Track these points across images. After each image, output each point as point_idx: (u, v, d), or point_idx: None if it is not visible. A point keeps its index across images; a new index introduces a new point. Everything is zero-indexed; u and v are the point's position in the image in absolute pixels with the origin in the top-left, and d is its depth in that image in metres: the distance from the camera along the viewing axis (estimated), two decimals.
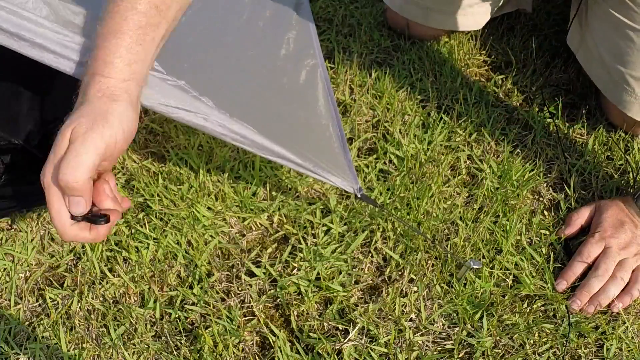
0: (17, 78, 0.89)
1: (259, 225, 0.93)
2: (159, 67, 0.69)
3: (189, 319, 0.83)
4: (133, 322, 0.82)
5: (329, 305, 0.85)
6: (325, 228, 0.92)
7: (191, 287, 0.86)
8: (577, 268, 0.90)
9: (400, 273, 0.88)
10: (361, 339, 0.82)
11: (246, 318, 0.84)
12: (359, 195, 0.81)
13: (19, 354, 0.79)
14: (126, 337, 0.81)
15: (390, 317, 0.84)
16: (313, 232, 0.91)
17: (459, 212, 0.95)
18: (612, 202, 0.95)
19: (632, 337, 0.85)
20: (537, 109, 1.13)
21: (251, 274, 0.88)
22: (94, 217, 0.60)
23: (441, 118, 1.08)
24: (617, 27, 0.96)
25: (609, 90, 1.03)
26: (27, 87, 0.89)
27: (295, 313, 0.84)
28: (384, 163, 1.01)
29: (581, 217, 0.96)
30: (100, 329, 0.82)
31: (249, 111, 0.78)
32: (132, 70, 0.61)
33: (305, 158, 0.78)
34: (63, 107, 0.89)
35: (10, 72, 0.88)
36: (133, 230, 0.91)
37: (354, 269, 0.88)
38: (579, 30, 1.06)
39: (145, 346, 0.80)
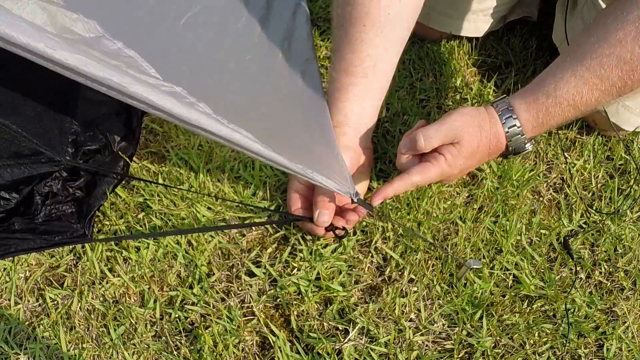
0: (53, 96, 0.90)
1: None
2: (155, 73, 0.68)
3: (189, 319, 0.83)
4: (133, 322, 0.82)
5: (329, 305, 0.85)
6: None
7: (191, 287, 0.86)
8: (404, 188, 0.85)
9: (400, 273, 0.88)
10: (361, 339, 0.82)
11: (246, 318, 0.84)
12: (355, 200, 0.82)
13: (19, 354, 0.79)
14: (126, 337, 0.82)
15: (390, 317, 0.84)
16: None
17: (459, 212, 0.95)
18: (472, 129, 0.84)
19: (632, 337, 0.85)
20: None
21: (251, 274, 0.88)
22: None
23: None
24: None
25: None
26: (58, 104, 0.91)
27: (295, 313, 0.84)
28: (384, 163, 1.01)
29: (436, 138, 0.84)
30: (100, 329, 0.82)
31: (246, 115, 0.78)
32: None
33: (302, 162, 0.78)
34: (89, 126, 0.91)
35: (50, 90, 0.89)
36: (133, 231, 0.91)
37: (354, 269, 0.88)
38: (563, 25, 1.06)
39: (145, 346, 0.80)
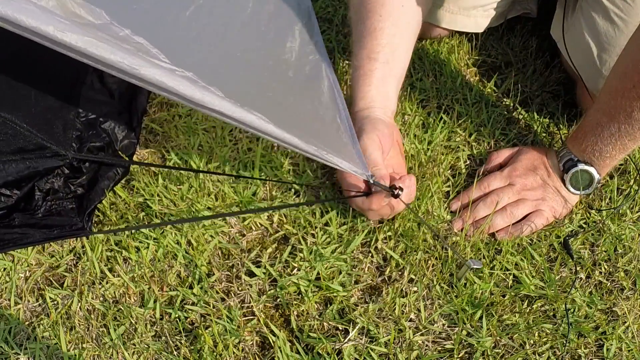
0: (58, 88, 0.91)
1: (259, 225, 0.93)
2: (165, 58, 0.68)
3: (189, 319, 0.83)
4: (133, 322, 0.82)
5: (329, 305, 0.85)
6: (327, 228, 0.92)
7: (191, 287, 0.86)
8: (474, 193, 0.95)
9: (400, 273, 0.88)
10: (361, 339, 0.82)
11: (246, 318, 0.84)
12: (371, 181, 0.81)
13: (19, 354, 0.79)
14: (126, 337, 0.82)
15: (390, 317, 0.84)
16: (313, 232, 0.91)
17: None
18: (533, 149, 0.99)
19: (632, 337, 0.85)
20: (537, 109, 1.13)
21: (251, 274, 0.88)
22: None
23: (441, 118, 1.08)
24: (606, 16, 0.96)
25: (590, 80, 1.02)
26: (61, 102, 0.91)
27: (295, 313, 0.84)
28: None
29: (501, 156, 1.00)
30: (100, 329, 0.82)
31: (256, 102, 0.77)
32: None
33: (316, 145, 0.78)
34: (92, 124, 0.92)
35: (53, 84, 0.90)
36: (133, 230, 0.91)
37: (354, 269, 0.88)
38: (562, 20, 1.06)
39: (145, 346, 0.80)
